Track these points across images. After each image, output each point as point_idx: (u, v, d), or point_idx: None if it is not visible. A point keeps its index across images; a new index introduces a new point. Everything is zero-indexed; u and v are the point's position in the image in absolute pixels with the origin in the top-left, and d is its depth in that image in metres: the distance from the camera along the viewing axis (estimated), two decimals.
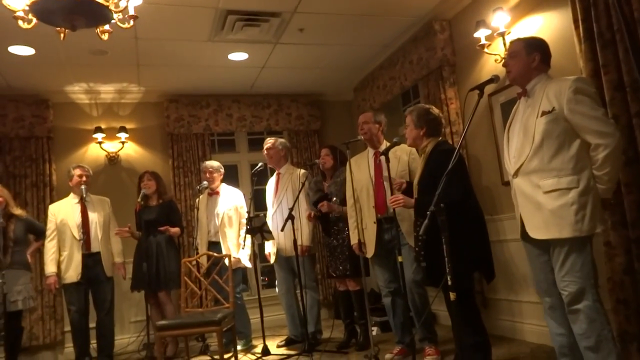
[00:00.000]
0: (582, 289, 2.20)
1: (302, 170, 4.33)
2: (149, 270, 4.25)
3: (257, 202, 4.64)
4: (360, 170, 3.66)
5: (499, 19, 3.47)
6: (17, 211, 4.09)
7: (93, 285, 4.22)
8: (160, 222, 4.33)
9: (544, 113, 2.28)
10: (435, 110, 3.14)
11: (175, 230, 4.38)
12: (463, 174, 2.96)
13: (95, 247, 4.23)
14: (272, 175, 4.55)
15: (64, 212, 4.27)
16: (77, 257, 4.16)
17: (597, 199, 2.25)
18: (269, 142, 4.38)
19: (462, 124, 4.09)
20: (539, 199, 2.28)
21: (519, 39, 2.53)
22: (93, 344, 4.32)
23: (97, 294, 4.24)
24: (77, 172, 4.34)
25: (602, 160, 2.19)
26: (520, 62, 2.42)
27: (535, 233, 2.33)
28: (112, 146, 5.32)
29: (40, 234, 4.24)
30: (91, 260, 4.17)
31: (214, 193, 4.55)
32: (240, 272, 4.41)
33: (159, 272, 4.29)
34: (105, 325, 4.27)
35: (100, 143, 5.25)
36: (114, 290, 4.36)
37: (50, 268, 4.15)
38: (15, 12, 2.52)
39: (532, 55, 2.40)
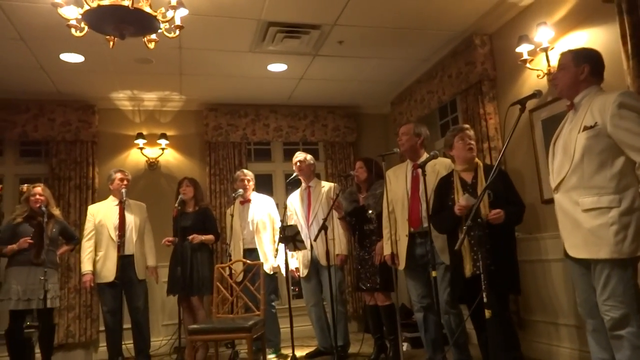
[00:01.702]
0: (625, 314, 2.10)
1: (335, 184, 4.37)
2: (183, 275, 4.33)
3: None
4: (397, 181, 3.64)
5: (542, 34, 3.41)
6: (56, 212, 4.25)
7: (126, 287, 4.30)
8: (195, 229, 4.40)
9: (585, 128, 2.21)
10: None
11: (207, 237, 4.45)
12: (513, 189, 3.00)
13: (129, 249, 4.32)
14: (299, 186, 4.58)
15: (102, 213, 4.40)
16: (113, 258, 4.25)
17: None
18: (300, 156, 4.43)
19: (501, 139, 4.02)
20: (578, 216, 2.21)
21: (569, 51, 2.45)
22: (128, 344, 4.41)
23: (130, 295, 4.33)
24: (119, 175, 4.47)
25: None
26: (568, 74, 2.34)
27: (573, 251, 2.26)
28: (152, 152, 5.47)
29: (71, 239, 4.37)
30: (125, 262, 4.27)
31: (245, 201, 4.61)
32: (273, 280, 4.43)
33: (192, 277, 4.35)
34: (141, 325, 4.33)
35: (141, 149, 5.41)
36: (147, 293, 4.43)
37: (86, 266, 4.26)
38: (68, 20, 2.65)
39: (580, 67, 2.31)
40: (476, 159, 3.15)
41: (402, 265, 3.50)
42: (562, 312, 3.51)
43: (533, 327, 3.78)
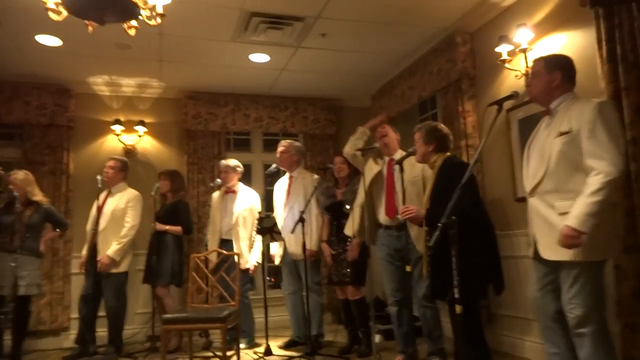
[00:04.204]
0: (588, 313, 2.19)
1: (315, 175, 4.36)
2: (157, 265, 4.38)
3: (269, 203, 4.68)
4: (373, 169, 3.72)
5: (521, 35, 3.48)
6: (38, 198, 4.17)
7: (98, 277, 4.24)
8: (165, 221, 4.48)
9: (561, 134, 2.27)
10: (444, 128, 3.21)
11: (172, 228, 4.46)
12: (473, 188, 3.00)
13: (98, 239, 4.27)
14: (283, 175, 4.59)
15: (96, 202, 4.42)
16: (87, 247, 4.34)
17: (615, 224, 2.23)
18: (283, 145, 4.42)
19: (478, 137, 4.10)
20: (553, 219, 2.27)
21: (541, 58, 2.52)
22: (102, 331, 4.40)
23: (100, 285, 4.26)
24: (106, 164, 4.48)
25: (598, 188, 2.09)
26: (541, 81, 2.41)
27: (547, 253, 2.32)
28: (129, 139, 5.41)
29: (60, 225, 4.31)
30: (94, 251, 4.27)
31: (230, 191, 4.61)
32: (248, 271, 4.45)
33: (160, 267, 4.39)
34: (109, 316, 4.29)
35: (118, 135, 5.34)
36: (121, 283, 4.32)
37: (82, 251, 4.42)
38: (46, 3, 2.60)
39: (553, 74, 2.38)
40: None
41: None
42: (529, 307, 3.61)
43: (503, 321, 3.89)
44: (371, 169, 3.72)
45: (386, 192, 3.60)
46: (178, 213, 4.55)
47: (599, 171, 2.11)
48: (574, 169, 2.23)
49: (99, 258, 4.19)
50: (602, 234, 2.17)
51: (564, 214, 2.21)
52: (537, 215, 2.38)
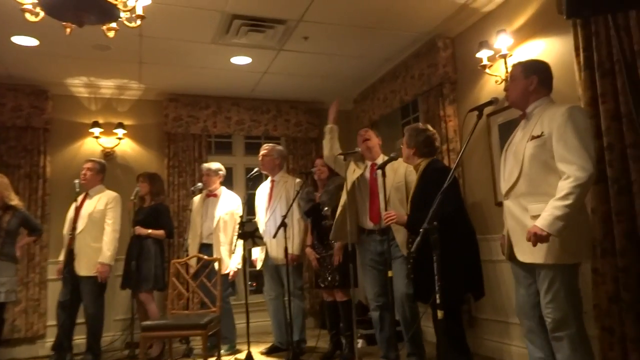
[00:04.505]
0: (566, 316, 2.23)
1: (298, 179, 4.36)
2: (138, 270, 4.29)
3: (251, 207, 4.66)
4: (355, 174, 3.72)
5: (501, 41, 3.53)
6: (14, 202, 4.07)
7: (75, 283, 4.16)
8: (146, 224, 4.39)
9: (533, 137, 2.33)
10: (429, 131, 3.22)
11: (154, 232, 4.39)
12: (456, 192, 3.03)
13: (76, 243, 4.18)
14: (266, 180, 4.57)
15: (73, 206, 4.33)
16: (64, 252, 4.23)
17: (586, 228, 2.28)
18: (265, 148, 4.40)
19: (459, 141, 4.14)
20: (527, 222, 2.32)
21: (518, 63, 2.59)
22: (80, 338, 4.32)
23: (79, 291, 4.18)
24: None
25: (567, 192, 2.14)
26: (519, 85, 2.46)
27: (521, 256, 2.36)
28: (108, 142, 5.33)
29: (35, 230, 4.21)
30: (71, 256, 4.16)
31: (211, 195, 4.57)
32: (228, 276, 4.42)
33: (142, 272, 4.31)
34: (88, 323, 4.22)
35: (96, 138, 5.26)
36: (100, 289, 4.23)
37: (59, 256, 4.32)
38: (22, 4, 2.55)
39: (529, 79, 2.43)
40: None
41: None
42: (512, 311, 3.66)
43: (484, 325, 3.93)
44: (353, 172, 3.73)
45: (370, 198, 3.60)
46: (159, 216, 4.49)
47: (568, 175, 2.17)
48: (546, 172, 2.28)
49: (95, 272, 4.12)
50: (573, 237, 2.22)
51: (537, 216, 2.25)
52: (511, 218, 2.43)
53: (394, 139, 5.36)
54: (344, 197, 3.65)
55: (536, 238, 2.17)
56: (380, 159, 3.63)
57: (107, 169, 4.59)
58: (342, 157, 3.75)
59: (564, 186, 2.16)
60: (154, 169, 5.15)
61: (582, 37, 2.88)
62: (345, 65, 5.07)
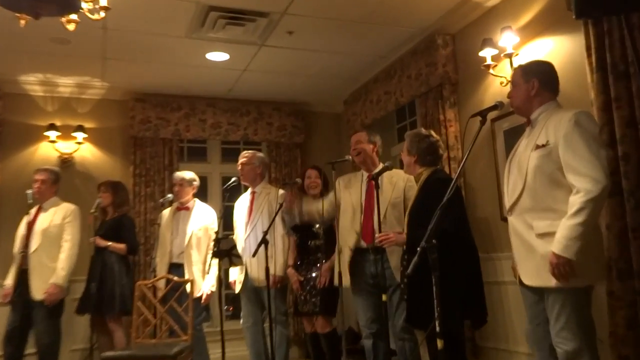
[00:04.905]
0: (579, 347, 2.24)
1: (281, 190, 4.35)
2: (98, 292, 4.24)
3: (228, 221, 4.64)
4: (350, 193, 3.71)
5: (506, 39, 3.60)
6: None
7: (27, 307, 4.09)
8: (108, 237, 4.37)
9: (537, 147, 2.35)
10: (433, 137, 3.23)
11: (116, 246, 4.36)
12: (459, 206, 3.06)
13: (30, 262, 4.12)
14: (246, 191, 4.56)
15: (24, 221, 4.28)
16: (13, 272, 4.17)
17: (597, 247, 2.30)
18: (245, 155, 4.40)
19: (461, 149, 4.19)
20: (532, 241, 2.34)
21: (519, 66, 2.63)
22: None
23: (30, 317, 4.11)
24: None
25: (578, 208, 2.15)
26: (520, 90, 2.50)
27: (527, 279, 2.39)
28: (66, 146, 5.31)
29: None
30: (25, 277, 4.09)
31: (183, 208, 4.56)
32: (201, 300, 4.39)
33: (106, 294, 4.26)
34: (40, 354, 4.15)
35: (53, 142, 5.24)
36: (55, 315, 4.16)
37: (6, 280, 4.21)
38: None
39: (530, 82, 2.47)
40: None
41: (346, 280, 3.56)
42: (521, 338, 3.68)
43: (489, 355, 3.95)
44: (346, 190, 3.73)
45: (364, 214, 3.59)
46: (121, 230, 4.46)
47: (578, 189, 2.19)
48: (552, 186, 2.31)
49: (45, 294, 4.02)
50: (585, 257, 2.22)
51: (543, 235, 2.27)
52: (515, 236, 2.46)
53: (388, 146, 5.41)
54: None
55: (559, 269, 2.18)
56: (380, 167, 3.62)
57: (63, 178, 4.55)
58: (330, 166, 3.74)
59: (575, 201, 2.18)
60: (117, 177, 5.11)
61: (594, 35, 2.94)
62: (334, 63, 5.12)
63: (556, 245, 2.19)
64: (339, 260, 3.58)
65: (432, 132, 3.34)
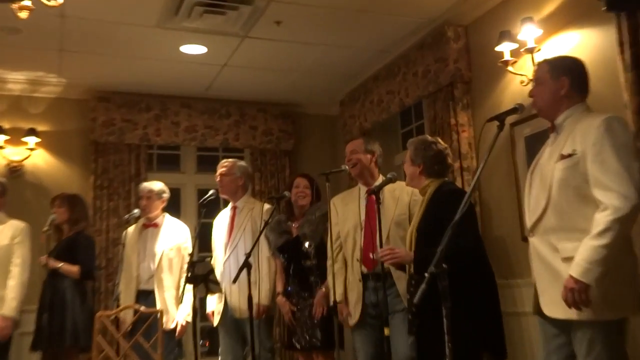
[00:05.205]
0: None
1: (267, 205, 4.34)
2: (50, 324, 4.20)
3: (205, 242, 4.63)
4: (347, 211, 3.72)
5: (527, 31, 3.62)
6: None
7: None
8: (62, 260, 4.33)
9: (562, 157, 2.35)
10: (440, 144, 3.25)
11: (67, 268, 4.31)
12: (472, 224, 3.06)
13: None
14: (226, 206, 4.56)
15: None
16: None
17: (631, 273, 2.29)
18: (224, 165, 4.39)
19: (475, 158, 4.21)
20: (557, 266, 2.33)
21: (544, 61, 2.63)
22: None
23: None
24: None
25: (604, 228, 2.14)
26: (546, 89, 2.50)
27: (549, 309, 2.37)
28: (15, 152, 5.31)
29: None
30: None
31: (151, 225, 4.54)
32: (174, 333, 4.38)
33: (56, 326, 4.22)
34: None
35: (0, 148, 5.22)
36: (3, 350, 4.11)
37: None
38: None
39: (559, 81, 2.46)
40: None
41: (354, 318, 3.57)
42: None
43: None
44: (339, 215, 3.75)
45: (364, 235, 3.59)
46: (76, 249, 4.42)
47: (606, 206, 2.18)
48: (580, 202, 2.30)
49: None
50: (617, 285, 2.22)
51: (570, 258, 2.26)
52: (538, 260, 2.45)
53: (391, 153, 5.43)
54: (329, 250, 3.66)
55: (573, 296, 2.17)
56: (380, 180, 3.62)
57: (10, 190, 4.51)
58: (324, 177, 3.75)
59: (600, 220, 2.17)
60: (75, 189, 5.09)
61: (628, 29, 2.97)
62: (329, 58, 5.14)
63: (575, 268, 2.18)
64: (334, 286, 3.59)
65: (439, 140, 3.36)
